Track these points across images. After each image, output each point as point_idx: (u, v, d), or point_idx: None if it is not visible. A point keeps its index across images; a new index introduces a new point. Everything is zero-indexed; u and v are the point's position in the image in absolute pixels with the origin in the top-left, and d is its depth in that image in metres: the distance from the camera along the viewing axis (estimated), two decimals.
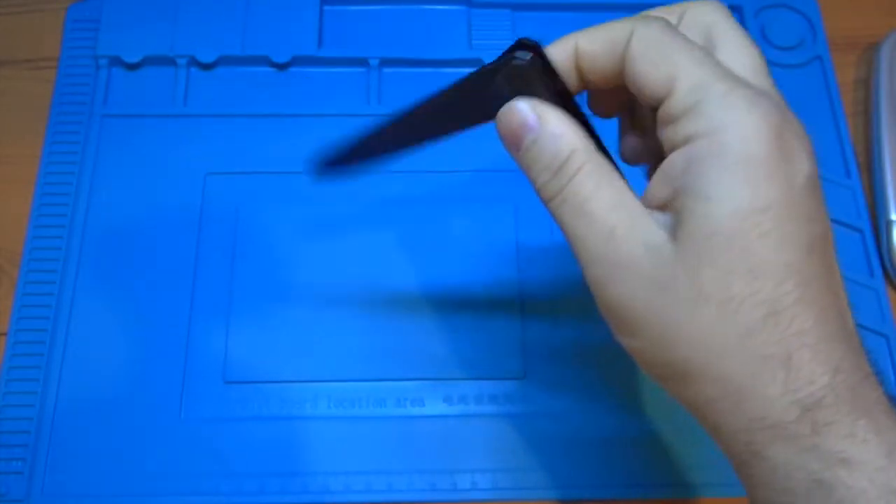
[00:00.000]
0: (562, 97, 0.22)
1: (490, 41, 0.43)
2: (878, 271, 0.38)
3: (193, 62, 0.42)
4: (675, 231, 0.20)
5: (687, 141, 0.19)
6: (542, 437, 0.35)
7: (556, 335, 0.36)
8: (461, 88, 0.24)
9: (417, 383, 0.36)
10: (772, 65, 0.43)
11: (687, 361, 0.19)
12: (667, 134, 0.20)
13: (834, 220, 0.39)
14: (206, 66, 0.42)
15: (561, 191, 0.21)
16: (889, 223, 0.39)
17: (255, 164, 0.40)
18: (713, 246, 0.19)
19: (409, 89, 0.42)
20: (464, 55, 0.42)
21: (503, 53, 0.22)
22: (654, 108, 0.21)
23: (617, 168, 0.21)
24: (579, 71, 0.22)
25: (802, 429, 0.18)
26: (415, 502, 0.34)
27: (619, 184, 0.21)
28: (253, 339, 0.36)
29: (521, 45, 0.22)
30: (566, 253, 0.38)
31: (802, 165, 0.19)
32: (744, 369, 0.19)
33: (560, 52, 0.22)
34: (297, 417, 0.35)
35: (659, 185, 0.20)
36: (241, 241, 0.38)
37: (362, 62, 0.42)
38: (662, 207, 0.20)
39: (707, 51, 0.20)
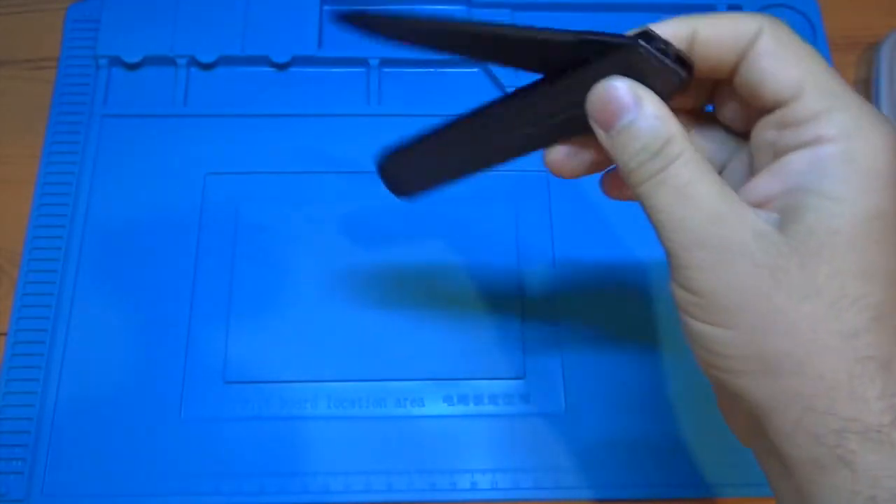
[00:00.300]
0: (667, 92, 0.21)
1: None
2: None
3: (193, 62, 0.42)
4: (784, 225, 0.20)
5: (813, 143, 0.20)
6: (542, 437, 0.35)
7: (556, 335, 0.36)
8: (558, 83, 0.22)
9: (417, 383, 0.36)
10: None
11: (786, 355, 0.19)
12: (785, 135, 0.20)
13: None
14: (206, 66, 0.42)
15: (660, 172, 0.20)
16: None
17: (255, 164, 0.40)
18: (834, 243, 0.19)
19: (409, 89, 0.42)
20: None
21: (617, 36, 0.21)
22: (757, 110, 0.21)
23: None
24: (687, 51, 0.22)
25: None
26: (415, 502, 0.34)
27: (716, 173, 0.21)
28: (253, 339, 0.36)
29: (646, 34, 0.21)
30: (566, 252, 0.38)
31: None
32: (844, 368, 0.19)
33: (674, 34, 0.21)
34: (297, 417, 0.35)
35: (768, 181, 0.20)
36: (241, 241, 0.38)
37: (362, 62, 0.42)
38: (764, 204, 0.20)
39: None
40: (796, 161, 0.20)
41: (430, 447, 0.34)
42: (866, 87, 0.43)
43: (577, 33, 0.21)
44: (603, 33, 0.21)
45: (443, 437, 0.35)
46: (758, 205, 0.20)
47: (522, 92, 0.24)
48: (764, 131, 0.21)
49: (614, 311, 0.37)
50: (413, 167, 0.28)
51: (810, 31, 0.44)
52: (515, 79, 0.42)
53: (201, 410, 0.35)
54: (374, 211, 0.39)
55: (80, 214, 0.38)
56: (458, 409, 0.35)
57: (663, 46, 0.21)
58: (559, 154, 0.24)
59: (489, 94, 0.42)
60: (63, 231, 0.38)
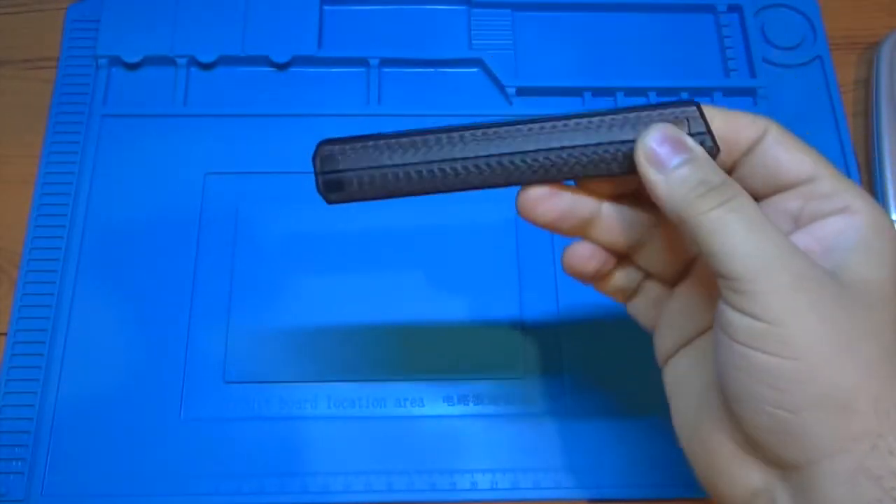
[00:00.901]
0: None
1: (490, 41, 0.43)
2: None
3: (193, 62, 0.42)
4: (833, 275, 0.21)
5: (845, 211, 0.22)
6: (542, 437, 0.35)
7: (556, 335, 0.36)
8: (599, 122, 0.24)
9: (417, 383, 0.36)
10: (772, 65, 0.43)
11: (857, 391, 0.20)
12: (812, 205, 0.23)
13: None
14: (206, 66, 0.42)
15: (729, 201, 0.22)
16: None
17: (255, 164, 0.40)
18: (884, 296, 0.21)
19: (409, 89, 0.42)
20: (464, 55, 0.42)
21: (660, 104, 0.24)
22: (757, 187, 0.24)
23: None
24: None
25: None
26: (415, 502, 0.34)
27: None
28: (253, 339, 0.36)
29: (686, 102, 0.23)
30: None
31: None
32: (875, 409, 0.20)
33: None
34: (297, 417, 0.35)
35: (805, 238, 0.23)
36: (241, 241, 0.38)
37: (362, 62, 0.42)
38: None
39: None
40: (832, 225, 0.22)
41: (430, 447, 0.34)
42: (866, 87, 0.43)
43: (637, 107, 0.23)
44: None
45: (443, 437, 0.35)
46: None
47: (549, 118, 0.24)
48: (785, 202, 0.23)
49: (614, 311, 0.37)
50: (366, 167, 0.25)
51: (810, 30, 0.44)
52: (515, 79, 0.42)
53: (201, 410, 0.35)
54: (373, 211, 0.39)
55: (80, 214, 0.38)
56: (458, 409, 0.35)
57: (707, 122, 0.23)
58: (537, 193, 0.25)
59: (489, 93, 0.42)
60: (63, 231, 0.38)
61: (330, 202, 0.25)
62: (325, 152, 0.24)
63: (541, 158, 0.24)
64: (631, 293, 0.28)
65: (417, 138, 0.24)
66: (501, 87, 0.42)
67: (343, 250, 0.38)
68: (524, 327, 0.37)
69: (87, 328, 0.36)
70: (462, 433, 0.35)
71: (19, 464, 0.34)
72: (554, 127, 0.24)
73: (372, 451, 0.34)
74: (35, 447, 0.34)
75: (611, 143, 0.23)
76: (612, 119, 0.23)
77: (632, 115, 0.23)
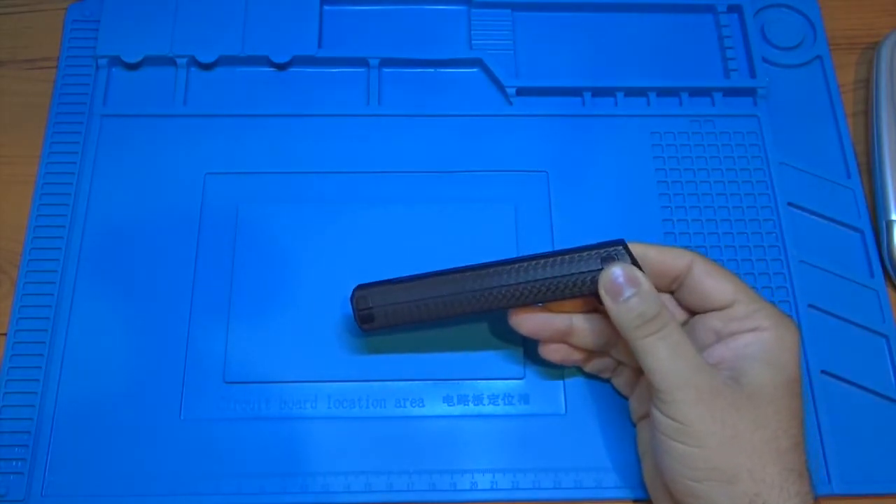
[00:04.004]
0: None
1: (490, 41, 0.43)
2: (878, 271, 0.38)
3: (193, 62, 0.42)
4: (740, 378, 0.29)
5: (755, 330, 0.29)
6: (542, 437, 0.35)
7: None
8: (557, 260, 0.31)
9: (417, 383, 0.36)
10: (772, 65, 0.44)
11: (742, 466, 0.27)
12: (729, 325, 0.30)
13: (834, 220, 0.40)
14: (206, 66, 0.42)
15: (659, 331, 0.29)
16: (889, 223, 0.39)
17: (255, 164, 0.40)
18: (776, 393, 0.28)
19: (409, 89, 0.42)
20: (464, 55, 0.42)
21: (599, 244, 0.31)
22: (689, 307, 0.32)
23: None
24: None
25: None
26: (415, 502, 0.34)
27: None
28: (253, 339, 0.36)
29: (615, 242, 0.31)
30: None
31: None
32: (779, 476, 0.27)
33: (633, 249, 0.31)
34: (297, 417, 0.35)
35: (724, 350, 0.30)
36: (241, 241, 0.38)
37: (362, 62, 0.42)
38: (719, 363, 0.30)
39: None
40: (743, 340, 0.30)
41: (430, 447, 0.34)
42: (866, 87, 0.43)
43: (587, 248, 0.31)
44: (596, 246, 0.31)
45: (443, 437, 0.35)
46: (713, 365, 0.29)
47: (525, 258, 0.32)
48: (708, 322, 0.31)
49: None
50: (391, 302, 0.33)
51: (810, 30, 0.44)
52: (515, 79, 0.42)
53: (201, 411, 0.35)
54: (374, 211, 0.39)
55: (80, 214, 0.38)
56: (458, 409, 0.35)
57: (630, 253, 0.31)
58: (521, 313, 0.33)
59: (489, 93, 0.42)
60: (63, 231, 0.38)
61: (365, 332, 0.34)
62: (359, 295, 0.33)
63: (520, 288, 0.31)
64: (609, 373, 0.35)
65: (426, 280, 0.32)
66: (501, 87, 0.42)
67: (343, 250, 0.38)
68: None
69: (87, 328, 0.36)
70: (462, 433, 0.35)
71: (19, 464, 0.34)
72: (528, 265, 0.31)
73: (372, 451, 0.34)
74: (35, 447, 0.34)
75: (566, 275, 0.31)
76: (562, 258, 0.31)
77: (577, 254, 0.31)
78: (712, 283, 0.30)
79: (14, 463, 0.34)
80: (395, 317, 0.33)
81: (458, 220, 0.39)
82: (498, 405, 0.35)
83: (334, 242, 0.38)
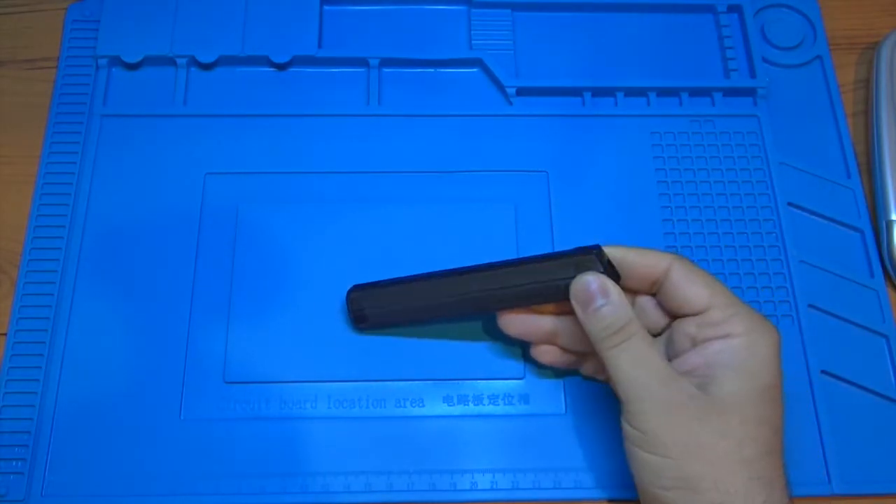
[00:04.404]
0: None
1: (490, 41, 0.43)
2: (878, 271, 0.38)
3: (193, 62, 0.42)
4: (706, 388, 0.28)
5: (727, 336, 0.29)
6: (542, 437, 0.35)
7: None
8: (533, 267, 0.32)
9: (417, 383, 0.36)
10: (772, 65, 0.44)
11: (706, 476, 0.27)
12: (703, 331, 0.30)
13: (834, 220, 0.40)
14: (206, 66, 0.42)
15: (623, 342, 0.29)
16: (889, 223, 0.39)
17: (255, 164, 0.40)
18: (743, 402, 0.28)
19: (409, 89, 0.42)
20: (464, 55, 0.42)
21: (574, 251, 0.31)
22: (669, 311, 0.31)
23: None
24: (618, 269, 0.31)
25: None
26: (414, 502, 0.34)
27: (659, 351, 0.30)
28: (253, 339, 0.36)
29: (589, 248, 0.31)
30: None
31: (781, 369, 0.30)
32: (743, 486, 0.27)
33: (612, 253, 0.31)
34: (297, 417, 0.35)
35: (694, 357, 0.30)
36: (241, 241, 0.38)
37: (362, 62, 0.42)
38: (690, 371, 0.29)
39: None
40: (714, 347, 0.29)
41: (430, 447, 0.34)
42: (866, 87, 0.43)
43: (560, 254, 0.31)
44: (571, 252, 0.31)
45: (443, 437, 0.35)
46: (686, 372, 0.29)
47: (503, 263, 0.33)
48: (685, 327, 0.30)
49: None
50: (382, 303, 0.35)
51: (810, 30, 0.44)
52: (515, 79, 0.42)
53: (201, 411, 0.35)
54: (374, 210, 0.39)
55: (80, 214, 0.38)
56: (458, 409, 0.35)
57: (606, 259, 0.31)
58: (507, 315, 0.33)
59: (489, 93, 0.42)
60: (63, 231, 0.38)
61: (360, 330, 0.36)
62: (352, 296, 0.35)
63: (498, 293, 0.32)
64: (603, 375, 0.34)
65: (413, 284, 0.34)
66: (501, 87, 0.42)
67: (343, 250, 0.38)
68: None
69: (87, 328, 0.36)
70: (462, 433, 0.35)
71: (19, 464, 0.34)
72: (505, 271, 0.32)
73: (372, 451, 0.34)
74: (35, 447, 0.34)
75: (542, 281, 0.31)
76: (538, 265, 0.31)
77: (553, 261, 0.31)
78: (688, 287, 0.30)
79: (14, 463, 0.34)
80: (386, 318, 0.35)
81: (458, 220, 0.39)
82: (498, 405, 0.35)
83: (334, 242, 0.38)
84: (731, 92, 0.42)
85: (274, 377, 0.36)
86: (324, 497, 0.34)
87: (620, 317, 0.29)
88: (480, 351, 0.36)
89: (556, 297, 0.31)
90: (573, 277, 0.30)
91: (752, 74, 0.43)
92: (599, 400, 0.35)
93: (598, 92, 0.42)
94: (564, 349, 0.34)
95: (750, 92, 0.42)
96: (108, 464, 0.34)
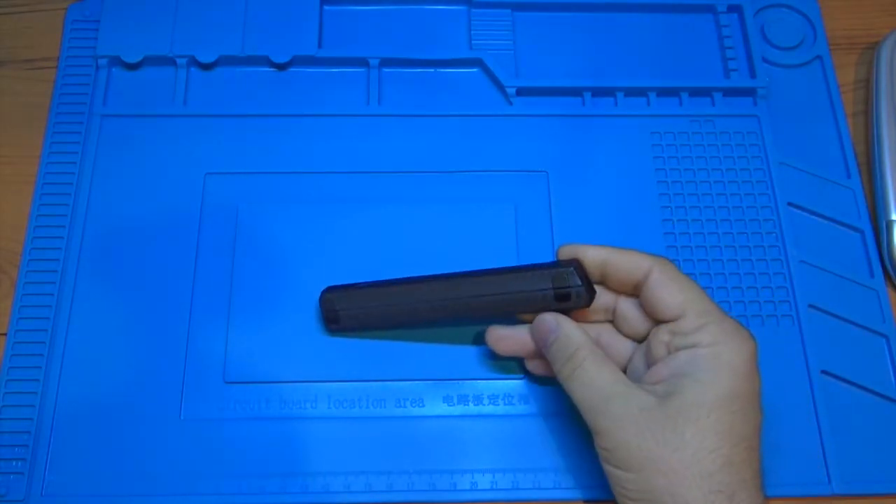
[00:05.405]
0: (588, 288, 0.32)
1: (490, 41, 0.43)
2: (878, 271, 0.38)
3: (193, 62, 0.42)
4: (667, 398, 0.28)
5: (694, 346, 0.29)
6: (542, 437, 0.35)
7: None
8: (510, 277, 0.32)
9: (417, 383, 0.36)
10: (772, 65, 0.44)
11: (664, 490, 0.27)
12: (675, 340, 0.30)
13: (834, 220, 0.40)
14: (206, 66, 0.42)
15: (573, 371, 0.30)
16: (889, 223, 0.39)
17: (255, 164, 0.40)
18: (699, 412, 0.28)
19: (409, 89, 0.42)
20: (464, 55, 0.42)
21: (552, 263, 0.32)
22: (655, 320, 0.31)
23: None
24: (602, 273, 0.32)
25: None
26: (415, 502, 0.34)
27: (613, 367, 0.30)
28: (253, 339, 0.36)
29: (569, 262, 0.32)
30: None
31: (757, 378, 0.29)
32: (702, 498, 0.27)
33: (595, 255, 0.32)
34: (297, 417, 0.35)
35: (662, 369, 0.29)
36: (241, 241, 0.38)
37: (362, 62, 0.42)
38: (657, 382, 0.29)
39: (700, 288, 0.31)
40: (681, 357, 0.29)
41: (430, 447, 0.34)
42: (866, 87, 0.43)
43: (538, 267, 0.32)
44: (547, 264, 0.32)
45: (443, 437, 0.35)
46: (655, 383, 0.29)
47: (486, 271, 0.33)
48: (661, 334, 0.30)
49: None
50: (355, 306, 0.35)
51: (810, 30, 0.44)
52: (515, 79, 0.42)
53: (201, 411, 0.35)
54: (374, 211, 0.39)
55: (80, 214, 0.38)
56: (458, 409, 0.35)
57: (584, 273, 0.31)
58: (499, 333, 0.34)
59: (489, 93, 0.42)
60: (63, 231, 0.38)
61: (331, 332, 0.36)
62: (326, 297, 0.35)
63: (473, 302, 0.33)
64: None
65: (389, 289, 0.34)
66: (501, 87, 0.42)
67: (343, 250, 0.38)
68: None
69: (87, 328, 0.36)
70: (462, 433, 0.35)
71: (19, 464, 0.34)
72: (483, 280, 0.32)
73: (372, 451, 0.34)
74: (35, 447, 0.34)
75: (518, 292, 0.32)
76: (516, 276, 0.32)
77: (531, 272, 0.32)
78: (664, 291, 0.30)
79: (14, 463, 0.34)
80: (357, 321, 0.35)
81: (458, 220, 0.39)
82: (498, 405, 0.35)
83: (334, 242, 0.38)
84: (731, 92, 0.42)
85: (274, 377, 0.36)
86: (324, 497, 0.34)
87: (570, 345, 0.30)
88: (480, 351, 0.36)
89: (533, 308, 0.32)
90: (550, 289, 0.31)
91: (752, 74, 0.43)
92: None
93: (598, 92, 0.42)
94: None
95: (750, 92, 0.42)
96: (108, 464, 0.34)
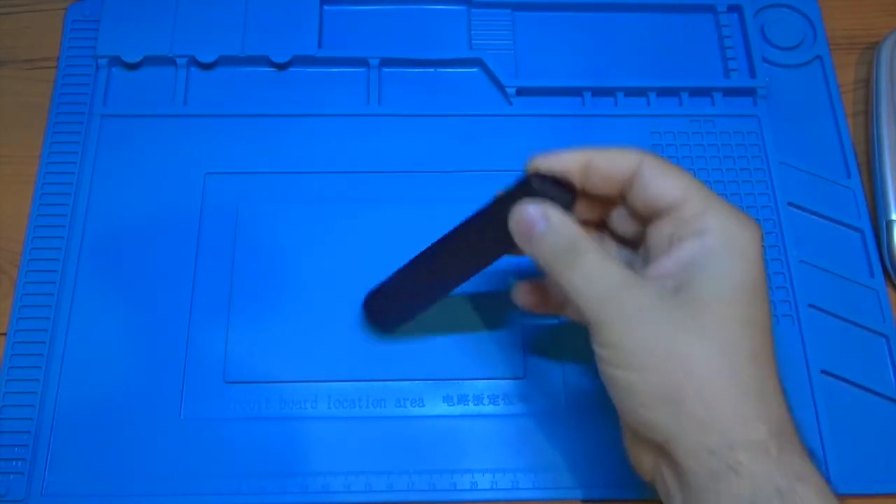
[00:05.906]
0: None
1: (490, 41, 0.43)
2: (878, 271, 0.38)
3: (193, 62, 0.42)
4: (680, 292, 0.26)
5: (701, 233, 0.26)
6: (542, 437, 0.35)
7: (556, 335, 0.36)
8: (482, 216, 0.30)
9: (417, 383, 0.36)
10: (772, 65, 0.44)
11: (685, 388, 0.24)
12: (679, 229, 0.27)
13: (834, 220, 0.40)
14: (206, 66, 0.42)
15: (574, 261, 0.27)
16: (889, 223, 0.39)
17: (255, 164, 0.40)
18: (719, 303, 0.25)
19: (409, 89, 0.42)
20: (464, 55, 0.42)
21: (517, 183, 0.28)
22: (643, 215, 0.28)
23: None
24: (584, 177, 0.29)
25: (772, 448, 0.24)
26: (415, 502, 0.34)
27: (619, 260, 0.27)
28: (253, 339, 0.36)
29: (533, 176, 0.28)
30: None
31: (764, 263, 0.27)
32: (731, 396, 0.24)
33: (574, 160, 0.29)
34: (297, 417, 0.35)
35: (666, 263, 0.27)
36: (241, 241, 0.38)
37: (362, 62, 0.42)
38: (662, 278, 0.27)
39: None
40: (689, 247, 0.26)
41: (430, 447, 0.34)
42: (866, 87, 0.43)
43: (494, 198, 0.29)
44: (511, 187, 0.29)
45: (443, 437, 0.35)
46: (659, 278, 0.27)
47: (461, 228, 0.31)
48: (662, 226, 0.27)
49: None
50: (390, 302, 0.34)
51: (810, 30, 0.44)
52: (515, 79, 0.42)
53: (201, 410, 0.35)
54: (374, 211, 0.39)
55: (80, 214, 0.38)
56: (458, 409, 0.35)
57: (550, 178, 0.28)
58: (521, 290, 0.32)
59: (489, 93, 0.42)
60: (63, 231, 0.38)
61: (382, 332, 0.36)
62: (368, 301, 0.35)
63: (464, 247, 0.31)
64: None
65: (410, 273, 0.33)
66: (501, 87, 0.42)
67: (343, 250, 0.38)
68: (524, 327, 0.37)
69: (87, 328, 0.36)
70: (462, 433, 0.35)
71: (19, 464, 0.34)
72: (466, 224, 0.31)
73: (372, 451, 0.34)
74: (35, 447, 0.34)
75: (496, 216, 0.29)
76: (488, 206, 0.29)
77: (502, 193, 0.29)
78: (660, 180, 0.27)
79: (14, 463, 0.34)
80: (401, 315, 0.35)
81: (459, 220, 0.39)
82: (498, 405, 0.35)
83: (334, 242, 0.38)
84: (731, 92, 0.42)
85: (274, 377, 0.36)
86: (324, 497, 0.34)
87: (566, 235, 0.27)
88: (480, 351, 0.36)
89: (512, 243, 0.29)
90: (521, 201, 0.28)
91: (752, 74, 0.43)
92: (599, 400, 0.35)
93: (598, 92, 0.42)
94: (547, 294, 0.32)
95: (750, 92, 0.42)
96: (108, 464, 0.34)
